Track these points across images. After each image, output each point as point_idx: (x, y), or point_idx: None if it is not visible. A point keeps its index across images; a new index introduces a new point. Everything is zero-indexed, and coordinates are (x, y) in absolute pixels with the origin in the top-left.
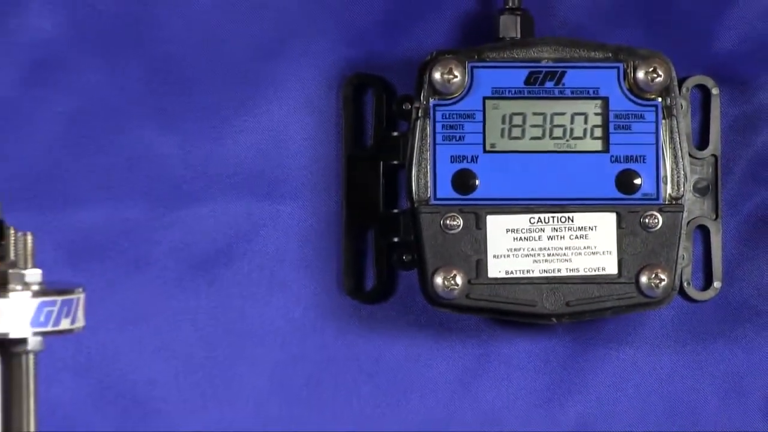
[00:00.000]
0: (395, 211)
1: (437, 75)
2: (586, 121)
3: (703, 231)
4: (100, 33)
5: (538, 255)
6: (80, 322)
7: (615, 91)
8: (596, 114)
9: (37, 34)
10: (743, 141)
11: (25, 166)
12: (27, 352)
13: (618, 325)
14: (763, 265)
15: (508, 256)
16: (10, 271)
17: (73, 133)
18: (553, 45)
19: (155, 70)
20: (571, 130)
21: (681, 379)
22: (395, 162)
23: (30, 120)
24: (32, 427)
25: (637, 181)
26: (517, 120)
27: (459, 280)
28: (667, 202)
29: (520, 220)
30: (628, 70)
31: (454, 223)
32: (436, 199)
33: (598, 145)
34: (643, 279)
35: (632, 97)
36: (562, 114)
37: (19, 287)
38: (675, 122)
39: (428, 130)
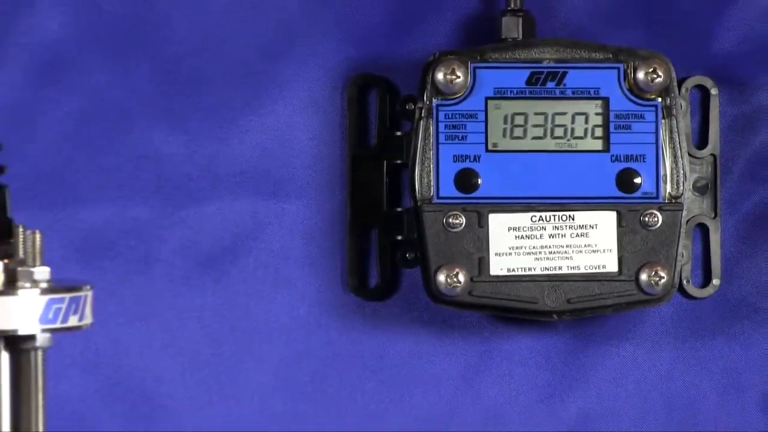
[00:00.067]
0: (399, 209)
1: (440, 75)
2: (586, 121)
3: (702, 229)
4: (107, 34)
5: (540, 253)
6: (88, 319)
7: (615, 92)
8: (597, 114)
9: (45, 35)
10: (742, 141)
11: (33, 166)
12: (35, 349)
13: (618, 322)
14: (761, 262)
15: (510, 254)
16: (19, 268)
17: (81, 132)
18: (554, 46)
19: (162, 71)
20: (572, 129)
21: (680, 375)
22: (399, 161)
23: (38, 120)
24: (41, 423)
25: (637, 180)
26: (519, 120)
27: (461, 277)
28: (666, 201)
29: (522, 219)
30: (629, 71)
31: (457, 221)
32: (439, 197)
33: (598, 144)
34: (643, 276)
35: (632, 98)
36: (563, 114)
37: (27, 285)
38: (674, 122)
39: (431, 129)
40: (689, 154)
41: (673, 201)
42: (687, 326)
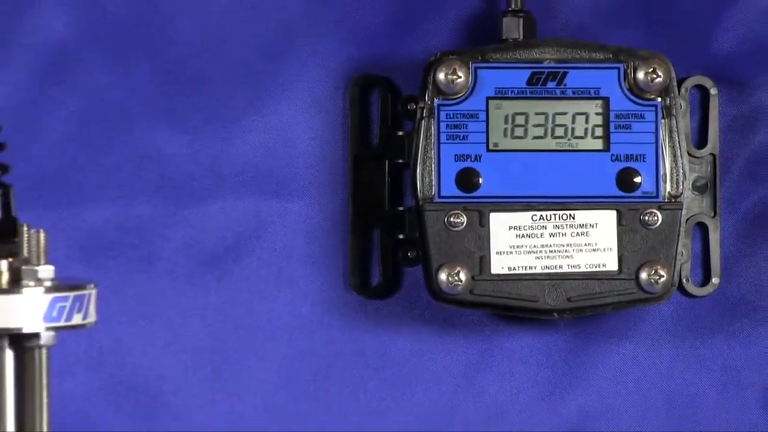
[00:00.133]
0: (400, 208)
1: (441, 75)
2: (587, 121)
3: (702, 228)
4: (110, 35)
5: (540, 252)
6: (92, 318)
7: (615, 92)
8: (597, 114)
9: (49, 35)
10: (741, 140)
11: (38, 165)
12: (40, 347)
13: (618, 321)
14: (760, 261)
15: (511, 252)
16: (24, 267)
17: (85, 132)
18: (554, 46)
19: (165, 71)
20: (573, 129)
21: (680, 373)
22: (400, 161)
23: (43, 120)
24: (45, 420)
25: (637, 180)
26: (520, 120)
27: (463, 276)
28: (666, 200)
29: (523, 218)
30: (629, 71)
31: (458, 220)
32: (440, 197)
33: (598, 144)
34: (643, 275)
35: (632, 98)
36: (564, 114)
37: (32, 283)
38: (674, 122)
39: (433, 129)
40: (689, 154)
41: (673, 200)
42: (687, 324)
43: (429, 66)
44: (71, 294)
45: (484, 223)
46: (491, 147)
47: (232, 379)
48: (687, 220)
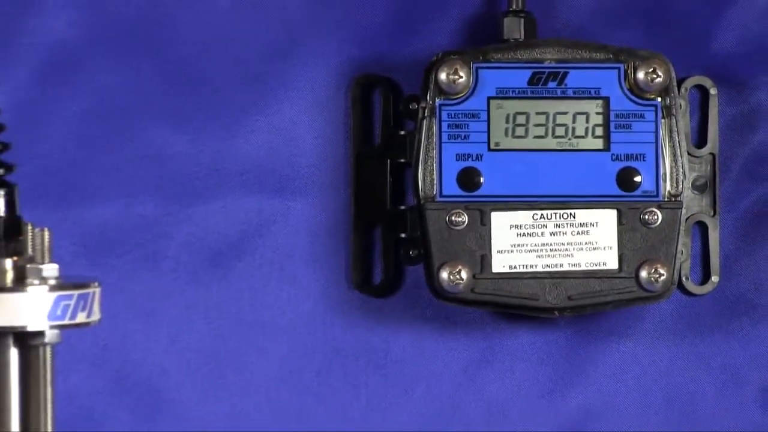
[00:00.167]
0: (402, 207)
1: (443, 75)
2: (587, 121)
3: (702, 227)
4: (113, 35)
5: (541, 250)
6: (96, 315)
7: (616, 91)
8: (597, 113)
9: (52, 35)
10: (740, 140)
11: (42, 164)
12: (44, 345)
13: (618, 319)
14: (759, 260)
15: (512, 251)
16: (28, 266)
17: (88, 132)
18: (555, 46)
19: (168, 71)
20: (573, 129)
21: (679, 371)
22: (402, 160)
23: (46, 119)
24: (49, 417)
25: (637, 179)
26: (521, 119)
27: (464, 274)
28: (666, 199)
29: (524, 217)
30: (629, 71)
31: (460, 219)
32: (441, 196)
33: (599, 143)
34: (643, 274)
35: (632, 97)
36: (565, 113)
37: (36, 282)
38: (674, 121)
39: (434, 129)
40: (688, 153)
41: (673, 199)
42: (686, 323)
43: (431, 66)
44: (75, 292)
45: (485, 222)
46: (492, 146)
47: (234, 375)
48: (687, 219)
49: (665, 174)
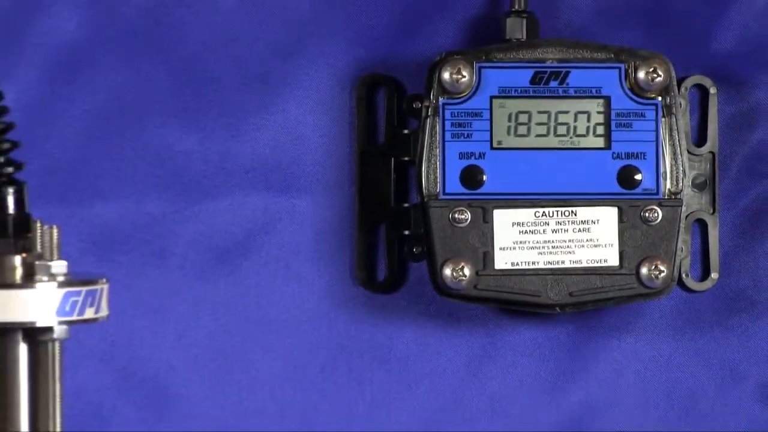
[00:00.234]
0: (406, 205)
1: (446, 75)
2: (588, 119)
3: (701, 224)
4: (122, 35)
5: (543, 247)
6: (104, 312)
7: (617, 91)
8: (599, 112)
9: (62, 35)
10: (740, 138)
11: (51, 163)
12: (53, 341)
13: (619, 315)
14: (758, 257)
15: (514, 248)
16: (37, 262)
17: (96, 130)
18: (557, 46)
19: (176, 71)
20: (575, 127)
21: (679, 366)
22: (406, 158)
23: (55, 118)
24: (58, 412)
25: (638, 177)
26: (523, 118)
27: (467, 271)
28: (666, 197)
29: (526, 214)
30: (629, 71)
31: (463, 216)
32: (445, 193)
33: (600, 142)
34: (644, 270)
35: (633, 96)
36: (566, 112)
37: (45, 278)
38: (674, 120)
39: (438, 127)
40: (688, 152)
41: (673, 197)
42: (686, 319)
43: (434, 66)
44: (84, 288)
45: (487, 220)
46: (495, 145)
47: (240, 371)
48: (686, 217)
49: (665, 172)
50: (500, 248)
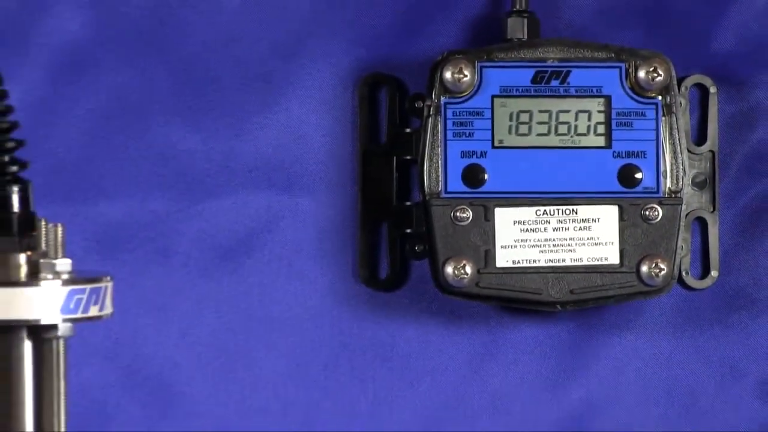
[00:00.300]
0: (408, 203)
1: (448, 74)
2: (589, 119)
3: (701, 223)
4: (125, 35)
5: (544, 245)
6: (108, 309)
7: (617, 90)
8: (599, 111)
9: (66, 35)
10: (739, 137)
11: (55, 162)
12: (57, 338)
13: (620, 313)
14: (758, 255)
15: (515, 246)
16: (42, 260)
17: (100, 129)
18: (558, 46)
19: (179, 71)
20: (576, 126)
21: (679, 364)
22: (408, 157)
23: (60, 118)
24: (62, 409)
25: (638, 176)
26: (524, 117)
27: (468, 269)
28: (666, 196)
29: (527, 213)
30: (630, 70)
31: (464, 215)
32: (446, 192)
33: (601, 141)
34: (644, 268)
35: (634, 96)
36: (567, 111)
37: (50, 276)
38: (674, 119)
39: (439, 126)
40: (688, 151)
41: (673, 195)
42: (686, 316)
43: (436, 65)
44: (88, 286)
45: (489, 218)
46: (496, 144)
47: (244, 369)
48: (687, 215)
49: (666, 171)
50: (501, 246)
